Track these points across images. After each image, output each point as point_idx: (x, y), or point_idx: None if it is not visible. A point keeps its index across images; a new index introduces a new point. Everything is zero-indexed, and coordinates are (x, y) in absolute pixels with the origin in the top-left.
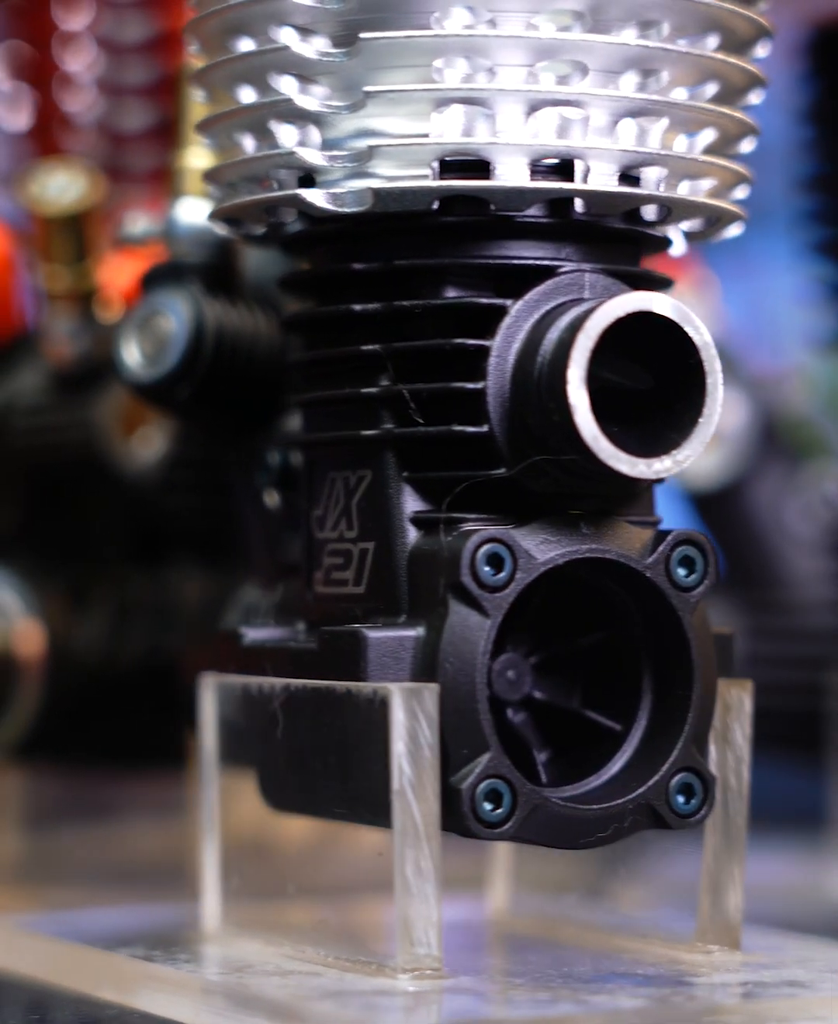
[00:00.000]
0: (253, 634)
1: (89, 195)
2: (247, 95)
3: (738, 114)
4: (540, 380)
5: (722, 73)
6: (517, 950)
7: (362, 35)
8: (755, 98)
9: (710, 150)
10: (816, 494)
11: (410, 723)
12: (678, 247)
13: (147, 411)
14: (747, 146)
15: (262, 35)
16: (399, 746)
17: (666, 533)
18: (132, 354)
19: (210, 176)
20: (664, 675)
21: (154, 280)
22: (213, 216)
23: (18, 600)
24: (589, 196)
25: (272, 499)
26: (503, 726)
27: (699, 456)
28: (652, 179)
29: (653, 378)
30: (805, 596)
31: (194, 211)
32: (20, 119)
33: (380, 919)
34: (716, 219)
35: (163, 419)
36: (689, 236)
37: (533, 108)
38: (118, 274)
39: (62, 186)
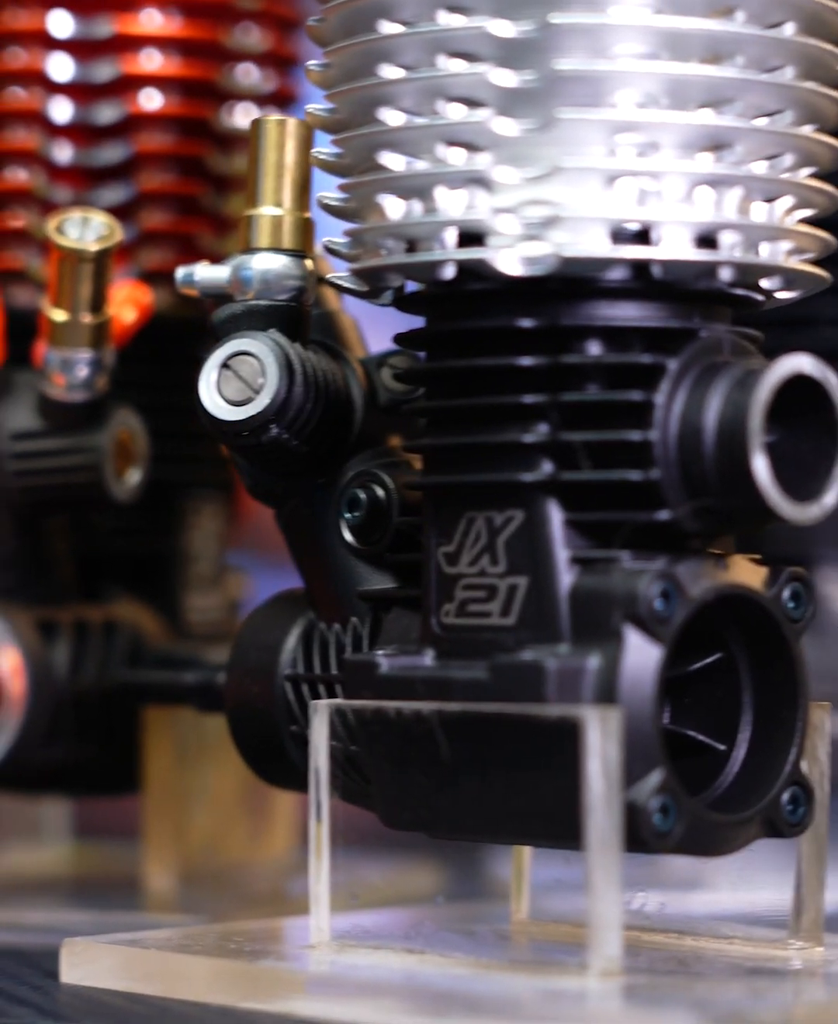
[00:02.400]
0: (391, 662)
1: (107, 238)
2: (391, 160)
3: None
4: (714, 433)
5: (819, 155)
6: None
7: (559, 114)
8: None
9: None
10: None
11: (603, 744)
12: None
13: (138, 448)
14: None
15: (413, 104)
16: (593, 765)
17: (780, 569)
18: (213, 395)
19: (356, 233)
20: (770, 697)
21: (231, 323)
22: (358, 272)
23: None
24: (738, 266)
25: (349, 535)
26: None
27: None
28: (778, 251)
29: (784, 430)
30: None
31: (267, 260)
32: None
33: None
34: (813, 286)
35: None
36: (774, 298)
37: (694, 185)
38: (122, 310)
39: (83, 225)
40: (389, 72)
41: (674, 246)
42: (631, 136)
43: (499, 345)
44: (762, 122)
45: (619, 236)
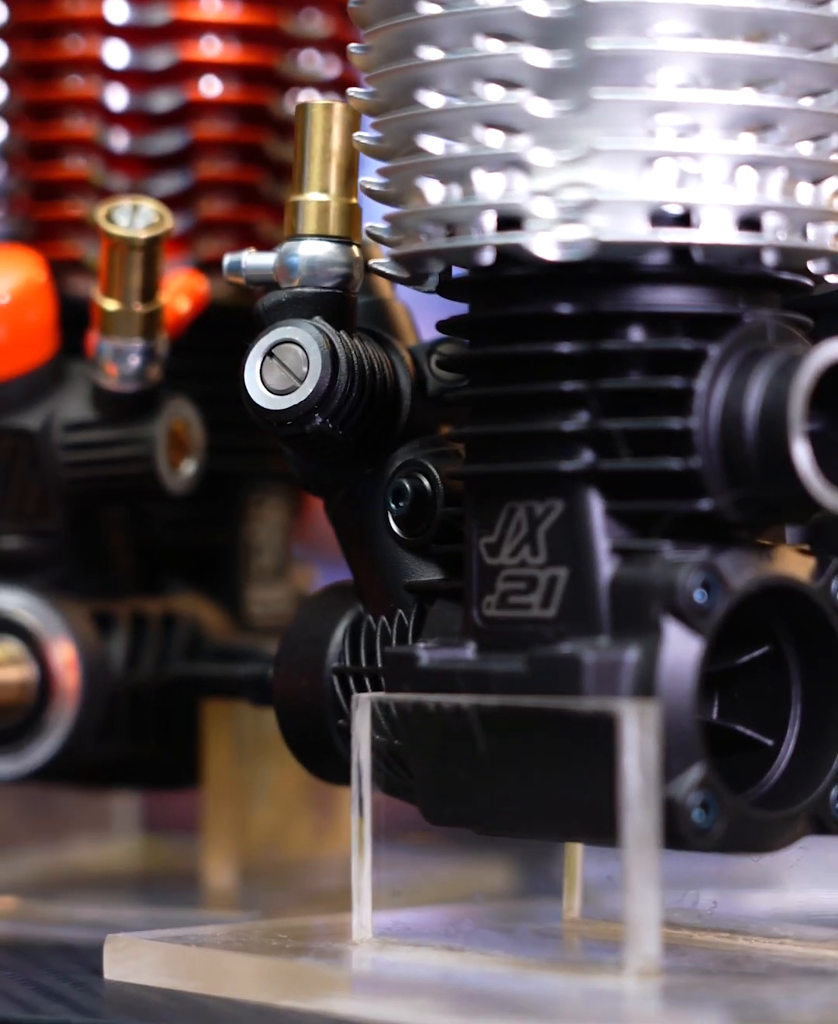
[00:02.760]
0: (431, 655)
1: (158, 226)
2: (430, 144)
3: None
4: (755, 420)
5: None
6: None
7: (595, 95)
8: None
9: None
10: None
11: (641, 738)
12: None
13: (192, 438)
14: None
15: (453, 86)
16: (631, 760)
17: (828, 560)
18: (258, 384)
19: (396, 218)
20: (819, 691)
21: (276, 311)
22: (398, 258)
23: (50, 621)
24: (782, 250)
25: (396, 525)
26: None
27: None
28: (825, 234)
29: (827, 417)
30: None
31: (313, 247)
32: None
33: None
34: None
35: (200, 446)
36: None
37: (736, 166)
38: (176, 300)
39: (134, 213)
40: (427, 54)
41: (716, 229)
42: (671, 117)
43: (538, 331)
44: (807, 102)
45: (659, 219)
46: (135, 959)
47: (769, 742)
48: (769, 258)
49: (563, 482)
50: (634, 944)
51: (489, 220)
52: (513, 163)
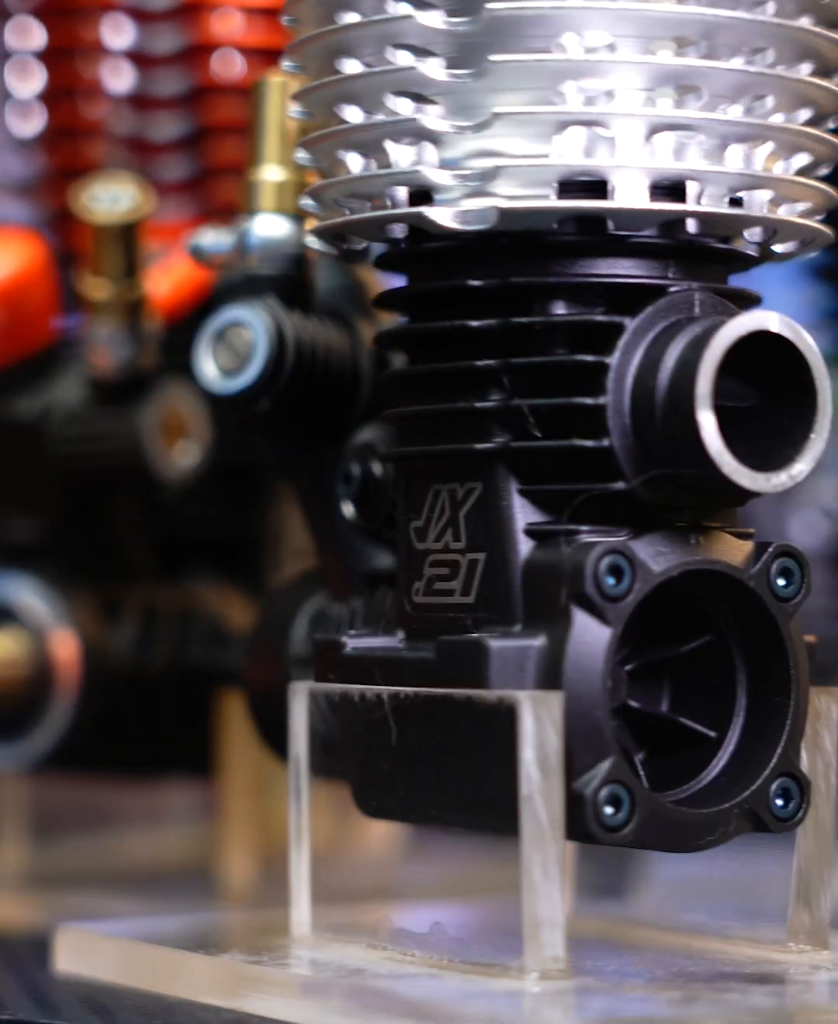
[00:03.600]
0: (356, 642)
1: (140, 208)
2: (352, 115)
3: (830, 137)
4: (664, 396)
5: (816, 99)
6: (609, 953)
7: (492, 57)
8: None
9: (802, 173)
10: (816, 507)
11: (539, 730)
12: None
13: (189, 422)
14: (828, 167)
15: (372, 56)
16: (528, 753)
17: (766, 545)
18: (209, 366)
19: (314, 193)
20: (761, 682)
21: (229, 293)
22: (317, 232)
23: (52, 609)
24: (703, 217)
25: (348, 510)
26: None
27: (808, 472)
28: (758, 202)
29: (760, 395)
30: (805, 608)
31: (270, 225)
32: (41, 128)
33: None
34: (810, 240)
35: (201, 431)
36: (780, 255)
37: (652, 131)
38: (160, 285)
39: (113, 197)
40: (341, 20)
41: (628, 196)
42: (581, 81)
43: (454, 307)
44: (733, 63)
45: (569, 187)
46: (84, 952)
47: (712, 734)
48: (692, 226)
49: (480, 463)
50: (533, 945)
51: (402, 192)
52: (419, 132)
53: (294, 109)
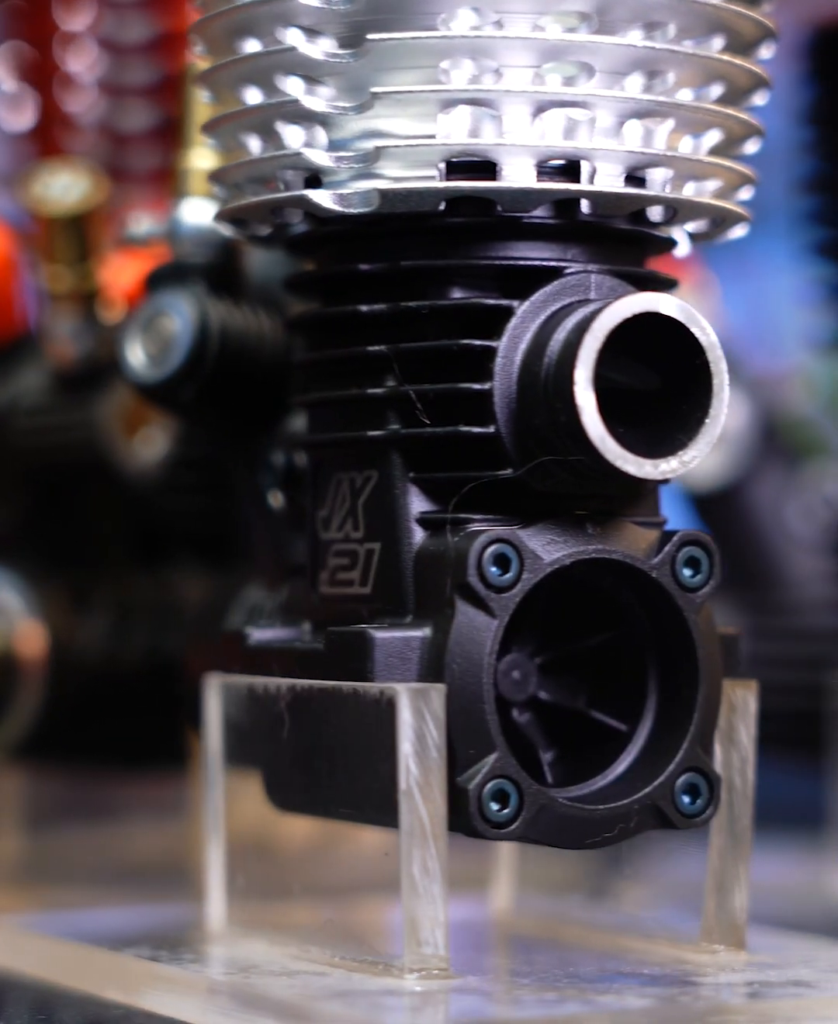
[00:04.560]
0: (258, 634)
1: (92, 195)
2: (253, 96)
3: (742, 115)
4: (547, 381)
5: (727, 74)
6: (522, 950)
7: (369, 36)
8: (760, 99)
9: (716, 151)
10: (816, 494)
11: (417, 723)
12: (683, 248)
13: (149, 412)
14: (752, 147)
15: (268, 36)
16: (406, 746)
17: (672, 534)
18: (136, 355)
19: (216, 177)
20: (670, 675)
21: (158, 281)
22: (219, 217)
23: (20, 601)
24: (595, 197)
25: (276, 500)
26: (509, 727)
27: (706, 457)
28: (658, 180)
29: (660, 379)
30: (805, 596)
31: (198, 212)
32: (21, 119)
33: (387, 919)
34: (721, 220)
35: (165, 420)
36: (694, 237)
37: (539, 109)
38: (120, 274)
39: (65, 186)
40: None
41: (515, 176)
42: (465, 59)
43: (349, 292)
44: (616, 38)
45: (459, 168)
46: (8, 946)
47: (623, 728)
48: (586, 206)
49: (374, 451)
50: (412, 943)
51: (293, 175)
52: (302, 114)
53: (203, 92)
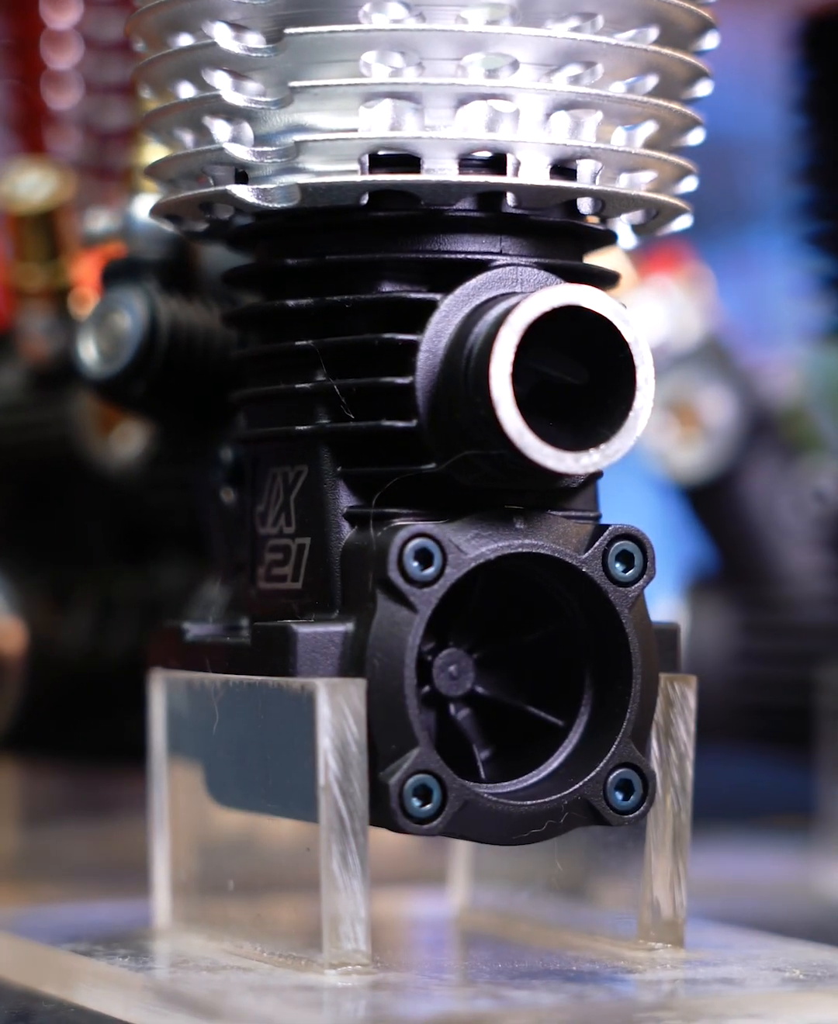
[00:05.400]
0: (195, 630)
1: (60, 193)
2: (186, 91)
3: (675, 106)
4: (467, 374)
5: (661, 66)
6: (461, 946)
7: (288, 31)
8: (701, 91)
9: (653, 144)
10: (809, 488)
11: (336, 718)
12: (625, 241)
13: None
14: (693, 139)
15: (199, 31)
16: (325, 741)
17: (604, 528)
18: (89, 351)
19: (150, 172)
20: (604, 670)
21: (111, 277)
22: (154, 212)
23: (1, 598)
24: (519, 189)
25: (228, 496)
26: (445, 722)
27: (627, 451)
28: (587, 172)
29: (589, 372)
30: (798, 591)
31: (149, 207)
32: (3, 116)
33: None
34: (657, 212)
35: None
36: (636, 229)
37: (460, 102)
38: (92, 271)
39: (33, 184)
40: None
41: (435, 169)
42: (384, 52)
43: (280, 286)
44: (546, 29)
45: (382, 162)
46: None
47: (559, 723)
48: (511, 199)
49: (304, 446)
50: (332, 939)
51: (222, 170)
52: (223, 109)
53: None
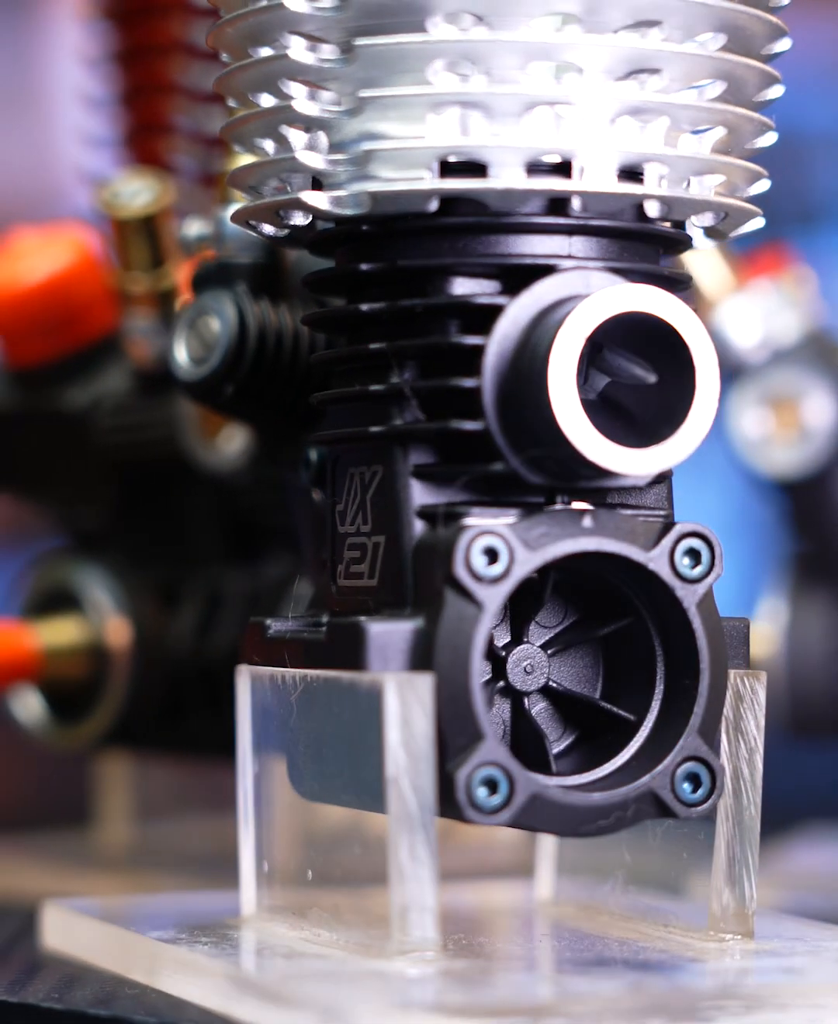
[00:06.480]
0: (277, 626)
1: (160, 200)
2: (267, 100)
3: (743, 111)
4: (530, 376)
5: (729, 71)
6: (536, 936)
7: (357, 41)
8: (772, 94)
9: (724, 148)
10: None
11: (403, 712)
12: (701, 244)
13: None
14: (765, 142)
15: (276, 42)
16: (393, 735)
17: (672, 525)
18: (182, 354)
19: (231, 180)
20: (673, 666)
21: (203, 282)
22: (235, 218)
23: (109, 596)
24: (583, 194)
25: (316, 495)
26: (521, 715)
27: (689, 451)
28: (654, 176)
29: (659, 374)
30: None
31: None
32: (118, 127)
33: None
34: (725, 215)
35: None
36: (709, 233)
37: (526, 108)
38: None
39: (134, 191)
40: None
41: (502, 175)
42: (448, 61)
43: (354, 290)
44: (611, 37)
45: (452, 168)
46: (64, 928)
47: (631, 718)
48: (577, 203)
49: (380, 446)
50: (400, 928)
51: (300, 177)
52: (297, 118)
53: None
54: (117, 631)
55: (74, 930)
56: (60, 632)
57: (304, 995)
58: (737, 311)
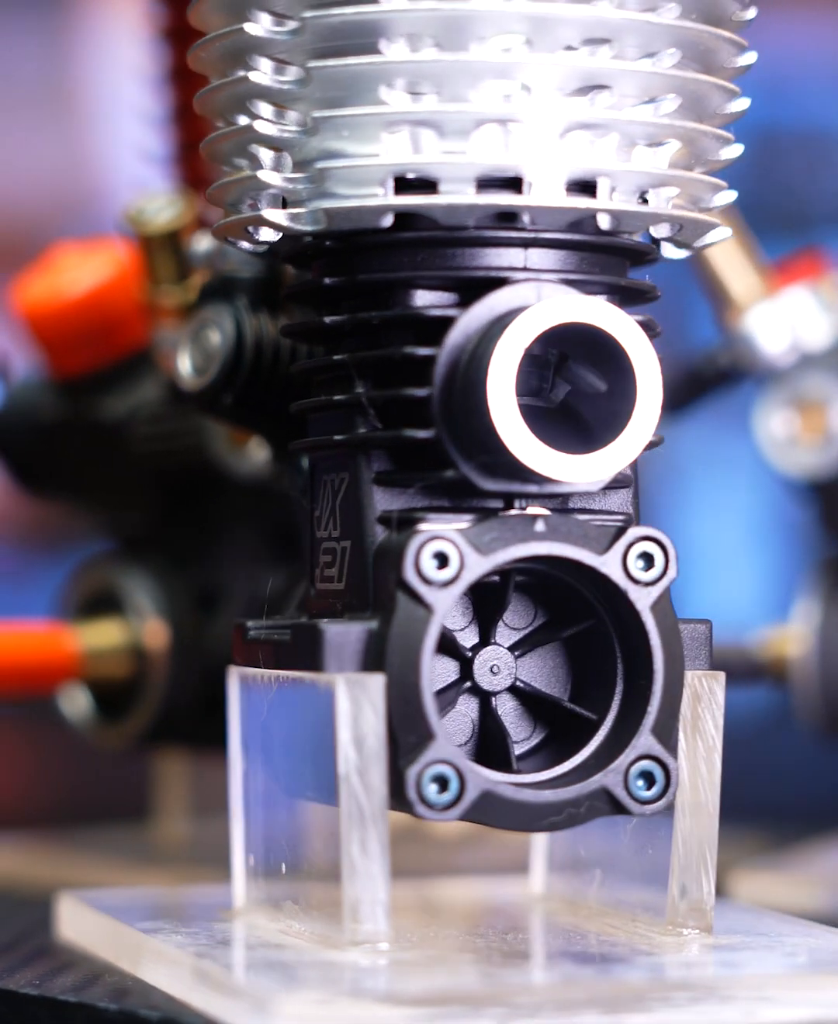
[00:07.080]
0: (254, 628)
1: (183, 216)
2: (243, 120)
3: (695, 125)
4: (473, 385)
5: (684, 87)
6: (503, 929)
7: (310, 64)
8: (735, 108)
9: (681, 161)
10: None
11: (354, 711)
12: (671, 254)
13: None
14: (728, 155)
15: (246, 65)
16: (344, 733)
17: (625, 529)
18: (185, 365)
19: (209, 197)
20: (630, 666)
21: (206, 295)
22: (214, 234)
23: (149, 600)
24: (530, 208)
25: (307, 501)
26: (488, 714)
27: (630, 458)
28: (605, 190)
29: (606, 383)
30: None
31: None
32: (169, 146)
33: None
34: (680, 227)
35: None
36: (679, 244)
37: (475, 126)
38: None
39: (159, 208)
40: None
41: (451, 191)
42: (407, 81)
43: (319, 303)
44: (558, 56)
45: (406, 184)
46: (75, 919)
47: (593, 716)
48: (525, 217)
49: (346, 454)
50: (351, 921)
51: (267, 195)
52: (258, 139)
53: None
54: (155, 633)
55: (81, 920)
56: (102, 634)
57: (247, 985)
58: (766, 316)
